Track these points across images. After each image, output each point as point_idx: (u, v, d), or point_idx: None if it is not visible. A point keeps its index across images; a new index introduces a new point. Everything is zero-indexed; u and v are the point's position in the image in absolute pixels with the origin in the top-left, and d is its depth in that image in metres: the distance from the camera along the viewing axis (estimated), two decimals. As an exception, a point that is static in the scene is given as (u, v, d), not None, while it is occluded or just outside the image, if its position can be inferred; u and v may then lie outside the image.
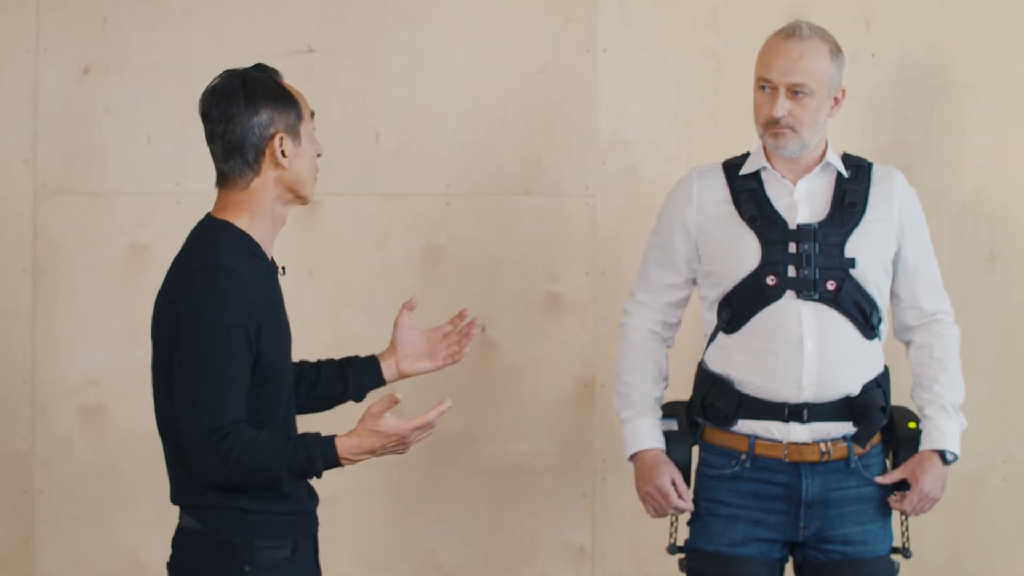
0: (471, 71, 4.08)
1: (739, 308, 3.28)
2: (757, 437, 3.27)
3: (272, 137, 2.74)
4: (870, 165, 3.37)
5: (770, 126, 3.25)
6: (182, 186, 4.03)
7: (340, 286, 4.09)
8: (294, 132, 2.76)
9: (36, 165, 4.09)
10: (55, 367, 4.09)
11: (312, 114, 2.82)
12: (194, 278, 2.71)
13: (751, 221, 3.28)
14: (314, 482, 2.90)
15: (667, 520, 3.44)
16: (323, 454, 2.68)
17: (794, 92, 3.22)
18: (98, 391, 4.10)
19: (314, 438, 2.70)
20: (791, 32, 3.25)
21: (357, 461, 2.73)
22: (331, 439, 2.69)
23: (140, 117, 4.08)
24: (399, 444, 2.73)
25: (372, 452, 2.72)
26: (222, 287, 2.67)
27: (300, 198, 2.82)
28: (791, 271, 3.24)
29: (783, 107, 3.22)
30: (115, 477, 4.09)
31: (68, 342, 4.09)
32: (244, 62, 2.85)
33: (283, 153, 2.75)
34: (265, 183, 2.77)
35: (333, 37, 4.08)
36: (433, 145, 4.09)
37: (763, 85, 3.25)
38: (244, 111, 2.73)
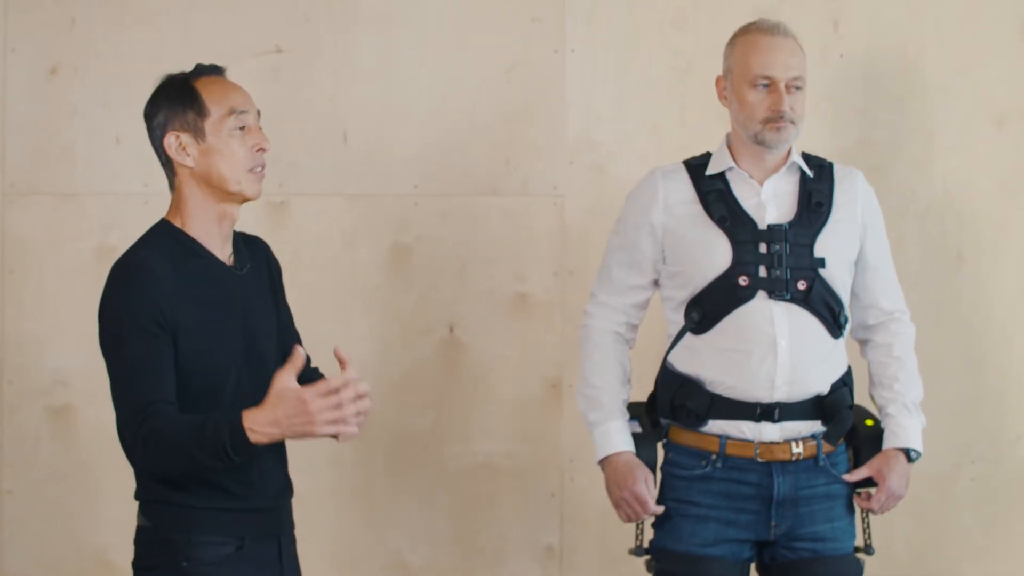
0: (439, 71, 4.08)
1: (710, 309, 3.26)
2: (728, 437, 3.26)
3: (164, 136, 2.80)
4: (831, 165, 3.38)
5: (773, 121, 3.23)
6: (150, 187, 4.01)
7: (308, 286, 4.06)
8: (194, 129, 2.79)
9: (4, 165, 4.08)
10: (23, 367, 4.09)
11: (233, 111, 2.80)
12: (109, 276, 2.78)
13: (721, 222, 3.27)
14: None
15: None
16: (229, 426, 2.60)
17: (794, 86, 3.24)
18: (66, 392, 4.09)
19: (222, 415, 2.64)
20: (774, 28, 3.27)
21: (265, 438, 2.60)
22: (238, 413, 2.62)
23: (108, 117, 4.08)
24: (303, 417, 2.59)
25: (277, 424, 2.59)
26: (128, 280, 2.72)
27: (230, 194, 2.82)
28: (762, 271, 3.24)
29: (788, 101, 3.23)
30: (83, 478, 4.09)
31: (36, 343, 4.09)
32: (205, 62, 2.88)
33: (185, 151, 2.79)
34: (183, 181, 2.82)
35: (301, 37, 4.08)
36: (401, 145, 4.08)
37: (761, 83, 3.24)
38: (148, 116, 2.84)
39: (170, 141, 2.79)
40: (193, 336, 2.73)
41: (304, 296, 4.05)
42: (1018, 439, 4.11)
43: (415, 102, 4.08)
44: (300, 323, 4.01)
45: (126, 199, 4.07)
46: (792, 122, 3.24)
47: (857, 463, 3.36)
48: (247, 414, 2.62)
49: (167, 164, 2.82)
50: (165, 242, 2.79)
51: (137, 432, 2.65)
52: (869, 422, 3.39)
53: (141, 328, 2.68)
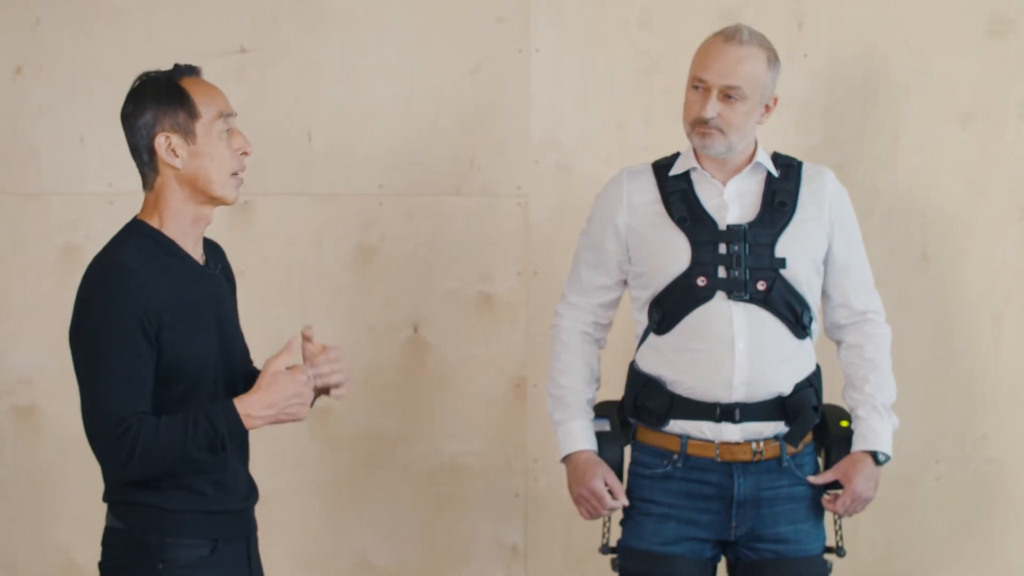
0: (404, 71, 4.08)
1: (670, 309, 3.28)
2: (689, 437, 3.27)
3: (155, 137, 2.77)
4: (800, 164, 3.38)
5: (698, 125, 3.25)
6: (115, 187, 4.02)
7: (273, 286, 4.08)
8: (185, 130, 2.77)
9: (-32, 166, 4.09)
10: (-12, 367, 4.10)
11: (222, 113, 2.80)
12: (88, 276, 2.75)
13: (681, 222, 3.28)
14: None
15: (600, 520, 3.43)
16: (225, 418, 2.69)
17: (727, 95, 3.22)
18: (31, 391, 4.09)
19: (214, 407, 2.71)
20: (731, 35, 3.25)
21: (261, 421, 2.73)
22: (230, 401, 2.71)
23: (73, 117, 4.07)
24: (299, 399, 2.74)
25: (273, 407, 2.72)
26: (112, 282, 2.69)
27: (212, 198, 2.82)
28: (721, 272, 3.24)
29: (714, 108, 3.22)
30: (48, 478, 4.09)
31: (1, 342, 4.08)
32: (177, 61, 2.86)
33: (174, 152, 2.77)
34: (166, 182, 2.80)
35: (266, 37, 4.07)
36: (366, 145, 4.08)
37: (697, 84, 3.25)
38: (132, 114, 2.80)
39: (160, 142, 2.76)
40: (176, 337, 2.73)
41: (269, 296, 4.08)
42: (983, 438, 4.11)
43: (380, 102, 4.07)
44: (265, 323, 4.04)
45: (91, 199, 4.06)
46: (720, 130, 3.23)
47: (828, 465, 3.36)
48: (240, 401, 2.71)
49: (149, 164, 2.79)
50: (143, 242, 2.77)
51: (119, 444, 2.65)
52: (844, 423, 3.38)
53: (125, 335, 2.67)
